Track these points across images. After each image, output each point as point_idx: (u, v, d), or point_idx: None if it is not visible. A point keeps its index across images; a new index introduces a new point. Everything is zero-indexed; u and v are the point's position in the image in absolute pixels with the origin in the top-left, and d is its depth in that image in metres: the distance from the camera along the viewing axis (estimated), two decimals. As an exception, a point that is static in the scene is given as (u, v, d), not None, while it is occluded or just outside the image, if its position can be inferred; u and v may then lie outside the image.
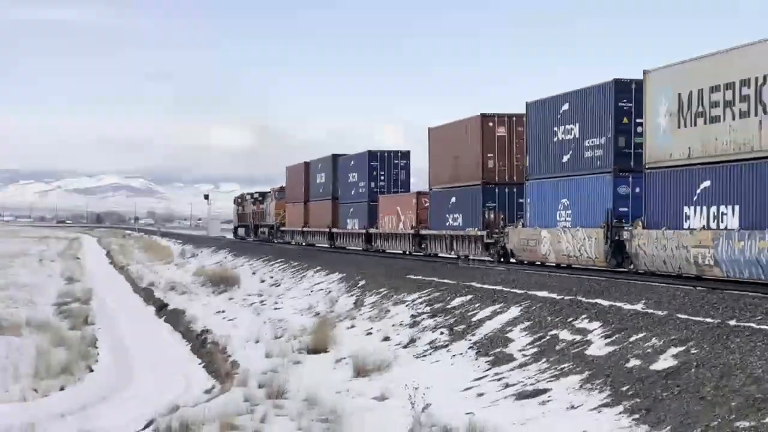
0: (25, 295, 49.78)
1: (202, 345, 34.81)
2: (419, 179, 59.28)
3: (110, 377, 28.54)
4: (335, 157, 61.83)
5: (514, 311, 28.56)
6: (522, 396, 19.32)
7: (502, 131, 38.26)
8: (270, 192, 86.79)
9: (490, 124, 38.36)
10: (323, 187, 64.73)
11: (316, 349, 29.58)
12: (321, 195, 66.01)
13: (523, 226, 37.26)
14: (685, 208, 25.94)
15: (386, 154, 55.21)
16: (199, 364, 31.94)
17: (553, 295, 29.96)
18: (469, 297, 33.69)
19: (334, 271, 49.95)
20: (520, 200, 38.95)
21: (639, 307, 24.50)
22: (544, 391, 18.96)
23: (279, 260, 64.33)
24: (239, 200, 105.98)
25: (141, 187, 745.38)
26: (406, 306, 35.81)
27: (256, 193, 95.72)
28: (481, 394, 20.25)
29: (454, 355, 25.76)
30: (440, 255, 47.60)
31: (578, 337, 22.82)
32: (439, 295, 35.85)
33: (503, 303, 30.33)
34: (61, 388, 25.76)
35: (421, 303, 35.32)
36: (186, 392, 25.86)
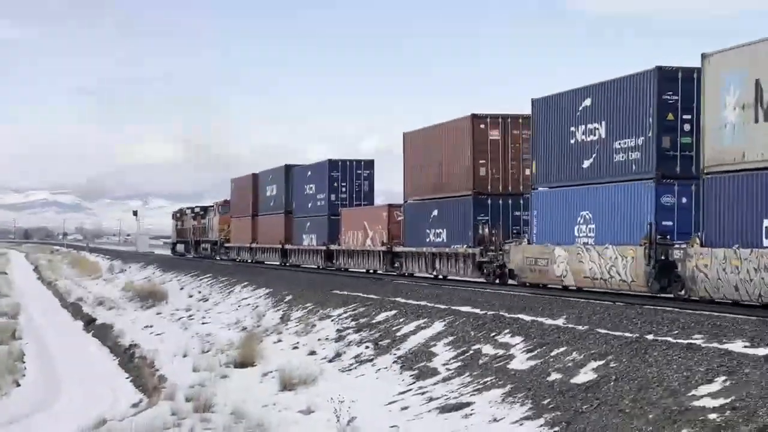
0: None
1: (129, 359, 34.55)
2: (386, 192, 56.48)
3: (37, 392, 28.25)
4: (288, 168, 55.67)
5: (438, 326, 28.41)
6: (445, 409, 19.10)
7: (495, 134, 31.64)
8: (213, 206, 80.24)
9: (482, 126, 31.83)
10: (275, 200, 59.24)
11: (243, 363, 29.36)
12: (272, 209, 60.30)
13: (528, 242, 30.63)
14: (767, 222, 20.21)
15: (348, 164, 48.98)
16: (127, 378, 31.78)
17: (477, 311, 29.64)
18: (393, 312, 33.50)
19: (261, 287, 49.45)
20: (516, 213, 32.89)
21: (560, 322, 24.69)
22: (468, 404, 18.82)
23: (207, 275, 64.20)
24: (178, 215, 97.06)
25: (70, 203, 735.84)
26: (332, 321, 35.87)
27: (197, 207, 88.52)
28: (405, 408, 20.07)
29: (379, 369, 25.82)
30: (417, 275, 41.26)
31: (501, 352, 22.77)
32: (364, 310, 35.59)
33: (427, 318, 30.28)
34: None
35: (346, 318, 35.38)
36: (113, 406, 25.60)
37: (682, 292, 23.88)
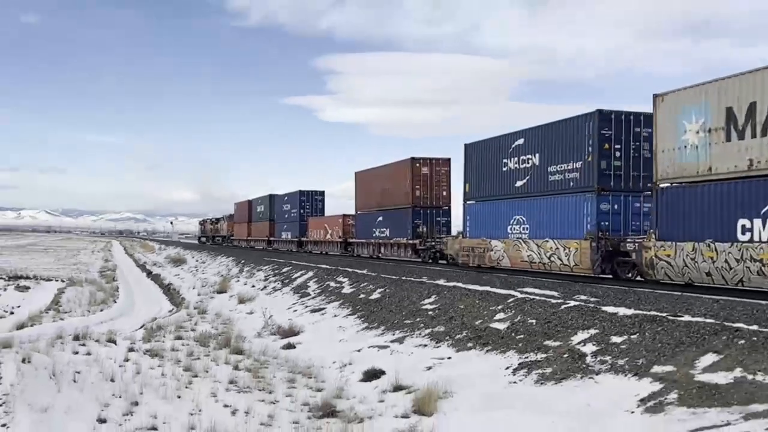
0: (84, 268, 71.06)
1: (167, 290, 50.19)
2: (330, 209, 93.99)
3: (124, 306, 37.07)
4: (272, 196, 79.63)
5: (310, 273, 40.48)
6: (313, 311, 29.98)
7: (426, 170, 42.81)
8: (222, 217, 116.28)
9: (417, 165, 42.90)
10: (262, 213, 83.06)
11: (220, 291, 43.18)
12: (260, 218, 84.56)
13: (463, 237, 35.62)
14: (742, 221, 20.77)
15: (310, 193, 70.45)
16: (167, 299, 43.94)
17: (328, 266, 41.99)
18: (290, 267, 47.07)
19: (233, 257, 68.88)
20: (438, 218, 43.11)
21: (365, 271, 36.16)
22: (323, 308, 30.01)
23: (208, 252, 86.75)
24: (202, 222, 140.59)
25: (140, 218, 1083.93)
26: (263, 272, 49.96)
27: (212, 218, 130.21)
28: (295, 310, 31.09)
29: (283, 294, 37.49)
30: (362, 255, 53.60)
31: (338, 285, 33.94)
32: (278, 267, 49.76)
33: (306, 270, 42.52)
34: (101, 311, 33.48)
35: (270, 271, 49.12)
36: (160, 312, 35.09)
37: (630, 275, 26.33)
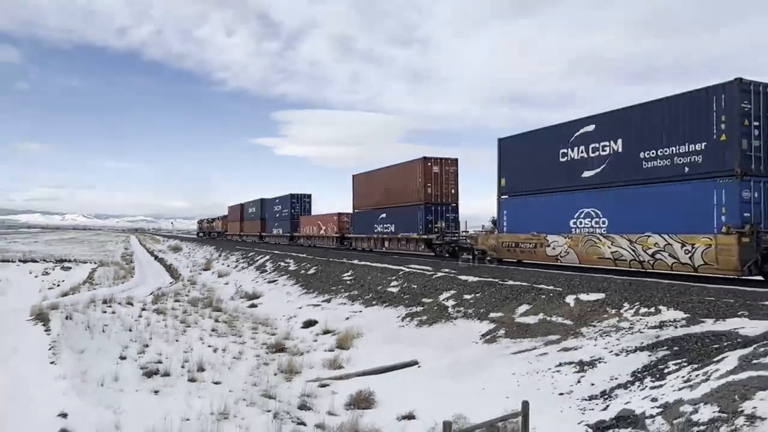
0: (110, 254, 65.36)
1: (169, 268, 47.31)
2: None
3: (139, 280, 35.13)
4: (263, 200, 67.82)
5: (267, 257, 38.52)
6: (269, 282, 29.49)
7: (436, 169, 31.71)
8: (216, 218, 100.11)
9: (429, 164, 31.56)
10: (254, 214, 71.15)
11: (205, 269, 41.49)
12: (252, 217, 72.28)
13: (499, 232, 24.00)
14: None
15: (300, 196, 58.99)
16: (168, 275, 41.61)
17: (277, 252, 40.16)
18: (254, 252, 44.92)
19: (215, 246, 64.32)
20: (447, 215, 31.03)
21: (304, 255, 34.85)
22: (276, 280, 29.57)
23: (199, 244, 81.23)
24: (200, 222, 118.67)
25: (150, 219, 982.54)
26: (234, 256, 47.46)
27: (208, 218, 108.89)
28: (257, 282, 30.50)
29: (249, 270, 36.03)
30: (361, 249, 39.38)
31: (285, 264, 32.88)
32: (245, 252, 47.49)
33: (265, 254, 40.45)
34: (122, 283, 32.36)
35: (240, 255, 47.14)
36: (163, 283, 33.56)
37: None
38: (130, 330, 15.89)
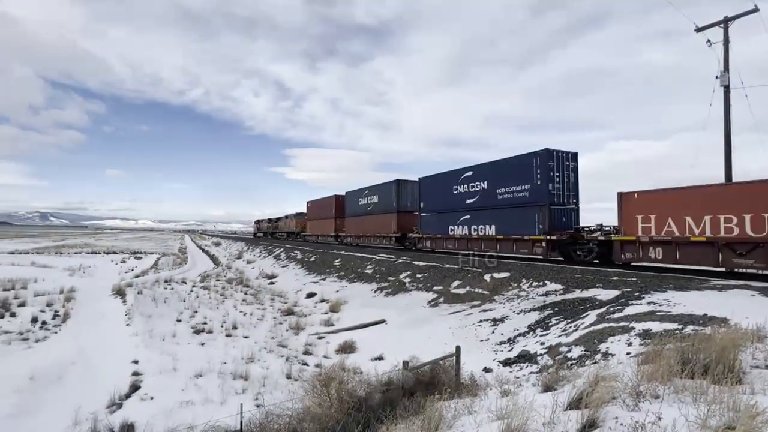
0: (170, 248, 55.89)
1: (213, 259, 41.33)
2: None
3: (190, 266, 31.70)
4: (399, 182, 27.75)
5: (279, 250, 35.43)
6: (283, 266, 27.36)
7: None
8: (285, 216, 55.42)
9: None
10: (375, 205, 29.73)
11: (238, 258, 37.62)
12: (371, 210, 30.20)
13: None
14: None
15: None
16: (212, 262, 36.47)
17: (289, 245, 37.78)
18: (272, 246, 42.07)
19: (242, 242, 55.47)
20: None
21: (307, 248, 32.67)
22: (287, 265, 27.52)
23: (230, 240, 69.02)
24: (258, 222, 74.39)
25: (198, 223, 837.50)
26: (258, 250, 43.81)
27: (270, 218, 65.41)
28: (273, 266, 28.32)
29: (268, 258, 32.72)
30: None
31: (294, 254, 30.27)
32: (264, 246, 44.45)
33: (279, 247, 37.54)
34: (179, 268, 29.85)
35: (262, 249, 42.29)
36: (208, 268, 30.84)
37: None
38: (184, 301, 15.37)
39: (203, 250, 60.51)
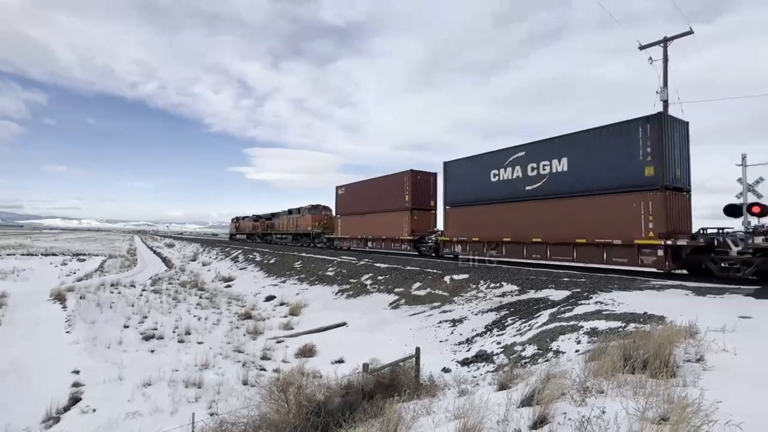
0: (118, 249, 53.57)
1: (164, 260, 40.44)
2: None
3: (140, 268, 31.23)
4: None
5: (238, 252, 33.98)
6: (241, 269, 26.53)
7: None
8: (285, 211, 37.95)
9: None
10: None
11: (193, 260, 36.15)
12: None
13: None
14: None
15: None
16: (164, 264, 36.10)
17: (248, 247, 36.26)
18: (230, 248, 40.40)
19: (197, 243, 54.63)
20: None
21: (267, 249, 31.39)
22: (246, 267, 26.66)
23: (185, 241, 66.34)
24: (236, 219, 54.60)
25: (150, 224, 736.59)
26: (215, 251, 41.31)
27: (255, 215, 47.52)
28: (231, 269, 27.40)
29: (225, 261, 31.50)
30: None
31: (253, 257, 29.48)
32: (221, 248, 42.26)
33: (237, 249, 36.12)
34: (127, 271, 28.76)
35: (219, 250, 39.99)
36: (160, 271, 29.81)
37: None
38: (133, 306, 14.54)
39: (155, 251, 57.53)
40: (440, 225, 19.81)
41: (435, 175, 21.93)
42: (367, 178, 25.04)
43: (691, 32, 15.04)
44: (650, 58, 15.56)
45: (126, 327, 11.69)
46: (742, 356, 3.90)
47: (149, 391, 7.37)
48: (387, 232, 22.92)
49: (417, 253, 21.41)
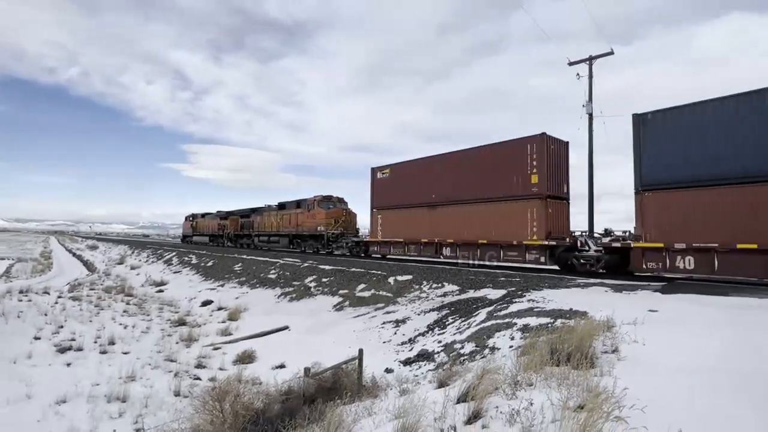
0: (29, 252, 47.89)
1: (86, 263, 36.85)
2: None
3: (56, 273, 28.94)
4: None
5: (174, 253, 32.64)
6: (175, 272, 25.17)
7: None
8: (270, 207, 30.07)
9: None
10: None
11: (119, 263, 33.39)
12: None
13: None
14: None
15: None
16: (85, 269, 33.11)
17: (183, 249, 34.61)
18: (162, 249, 38.06)
19: (125, 245, 53.32)
20: None
21: (204, 251, 29.99)
22: (180, 270, 25.37)
23: (110, 243, 62.75)
24: (191, 217, 44.15)
25: (70, 224, 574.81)
26: (146, 253, 38.97)
27: (222, 211, 39.05)
28: (164, 272, 25.75)
29: (157, 263, 29.96)
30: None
31: (189, 259, 28.24)
32: (153, 250, 40.01)
33: (170, 251, 34.28)
34: (40, 276, 26.41)
35: (151, 252, 38.30)
36: (80, 275, 27.46)
37: None
38: (46, 315, 13.17)
39: (74, 254, 52.26)
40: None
41: (567, 144, 14.10)
42: (431, 155, 16.76)
43: (612, 53, 16.54)
44: (578, 74, 16.90)
45: (37, 338, 10.55)
46: (650, 346, 4.33)
47: (64, 409, 6.71)
48: (487, 234, 14.55)
49: (557, 268, 13.26)
